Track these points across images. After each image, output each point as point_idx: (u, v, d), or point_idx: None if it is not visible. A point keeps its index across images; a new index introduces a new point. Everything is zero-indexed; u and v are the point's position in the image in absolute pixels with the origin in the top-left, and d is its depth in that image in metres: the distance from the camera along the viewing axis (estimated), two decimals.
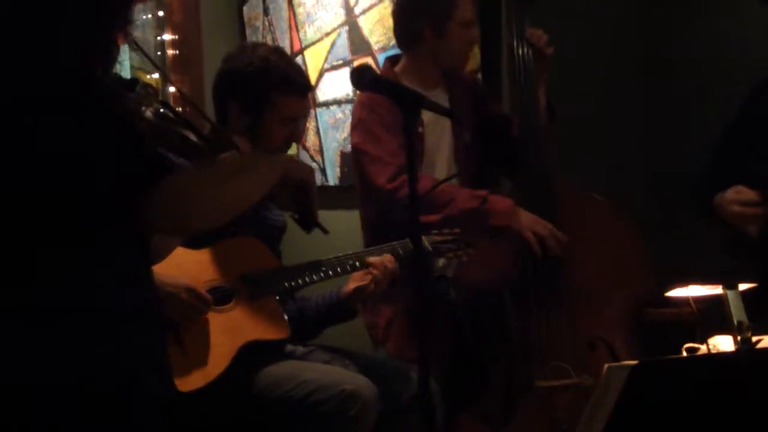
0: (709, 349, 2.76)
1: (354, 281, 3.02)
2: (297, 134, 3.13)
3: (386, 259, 2.99)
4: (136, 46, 2.07)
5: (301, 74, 3.11)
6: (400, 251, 3.02)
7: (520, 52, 3.29)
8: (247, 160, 2.08)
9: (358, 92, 3.71)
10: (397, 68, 3.42)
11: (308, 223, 2.18)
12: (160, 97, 2.05)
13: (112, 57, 1.93)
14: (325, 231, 2.27)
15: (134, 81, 2.01)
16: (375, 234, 3.31)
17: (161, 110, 2.06)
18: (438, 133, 3.37)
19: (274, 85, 3.00)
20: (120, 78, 2.03)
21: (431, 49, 3.34)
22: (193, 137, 2.14)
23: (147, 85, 2.04)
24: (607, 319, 3.15)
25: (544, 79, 3.34)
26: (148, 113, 2.03)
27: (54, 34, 1.82)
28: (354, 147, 3.36)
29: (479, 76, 3.76)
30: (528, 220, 3.16)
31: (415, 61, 3.38)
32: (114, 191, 1.78)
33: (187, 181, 1.88)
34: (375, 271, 2.97)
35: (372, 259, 2.98)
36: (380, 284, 2.98)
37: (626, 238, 3.23)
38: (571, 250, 3.18)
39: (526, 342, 3.14)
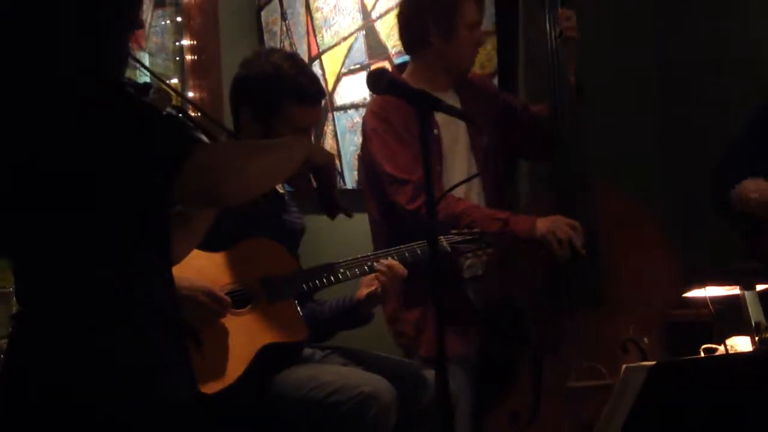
0: (726, 350, 2.76)
1: (365, 287, 3.02)
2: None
3: (393, 263, 2.99)
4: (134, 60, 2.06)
5: (313, 82, 3.09)
6: (419, 252, 3.02)
7: (552, 39, 3.28)
8: (274, 140, 2.10)
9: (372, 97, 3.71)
10: (405, 74, 3.40)
11: (331, 207, 2.19)
12: (173, 102, 2.07)
13: (123, 60, 1.93)
14: (348, 215, 2.27)
15: (147, 85, 2.02)
16: (383, 234, 3.31)
17: (177, 114, 2.07)
18: (453, 133, 3.36)
19: (283, 92, 3.00)
20: (133, 83, 2.03)
21: (439, 53, 3.33)
22: (206, 138, 2.16)
23: (160, 90, 2.05)
24: (639, 321, 3.15)
25: (573, 62, 3.31)
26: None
27: (60, 37, 1.83)
28: (372, 158, 3.34)
29: (496, 79, 3.76)
30: (546, 226, 3.13)
31: (423, 66, 3.37)
32: (147, 171, 1.79)
33: (216, 152, 1.91)
34: (382, 277, 2.97)
35: (378, 264, 2.98)
36: (388, 289, 2.99)
37: (659, 241, 3.23)
38: (606, 252, 3.17)
39: (557, 343, 3.14)
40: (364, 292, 3.02)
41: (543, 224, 3.13)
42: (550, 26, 3.28)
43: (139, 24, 1.96)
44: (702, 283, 2.99)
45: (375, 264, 2.98)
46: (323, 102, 3.28)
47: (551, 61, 3.26)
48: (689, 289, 3.08)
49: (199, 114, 3.27)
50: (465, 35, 3.32)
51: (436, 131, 3.29)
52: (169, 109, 2.05)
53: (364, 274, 3.00)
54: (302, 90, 3.01)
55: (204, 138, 2.14)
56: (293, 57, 3.18)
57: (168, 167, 1.78)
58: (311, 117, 3.09)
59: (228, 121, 3.25)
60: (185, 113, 2.16)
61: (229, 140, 2.02)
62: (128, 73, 2.02)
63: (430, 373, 2.95)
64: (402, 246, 3.04)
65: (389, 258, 3.00)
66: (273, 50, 3.54)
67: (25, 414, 1.82)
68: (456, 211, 3.16)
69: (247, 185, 1.91)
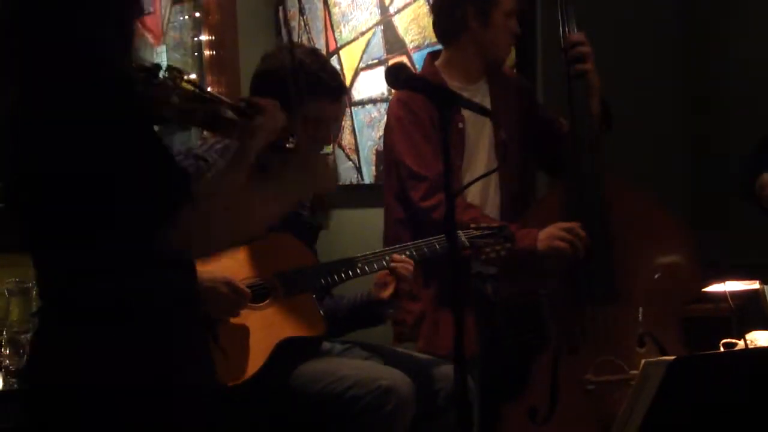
0: (746, 345, 2.75)
1: (381, 287, 3.01)
2: (328, 136, 3.14)
3: (405, 262, 2.98)
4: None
5: (335, 78, 3.08)
6: (437, 246, 3.02)
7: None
8: (273, 183, 2.11)
9: (393, 91, 3.70)
10: (438, 63, 3.41)
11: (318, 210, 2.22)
12: (185, 77, 2.04)
13: (130, 46, 1.92)
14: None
15: (157, 66, 2.01)
16: (399, 223, 3.31)
17: (190, 89, 2.05)
18: (479, 129, 3.35)
19: (303, 87, 2.99)
20: (141, 65, 2.00)
21: (476, 40, 3.31)
22: (225, 112, 2.14)
23: (171, 68, 2.03)
24: (658, 315, 3.14)
25: (597, 88, 3.29)
26: (174, 98, 2.02)
27: (70, 24, 1.83)
28: (392, 148, 3.34)
29: (514, 71, 3.76)
30: (544, 243, 3.14)
31: (458, 54, 3.36)
32: (139, 213, 1.81)
33: (208, 210, 1.88)
34: (399, 272, 2.97)
35: (393, 265, 2.98)
36: (403, 289, 2.98)
37: (678, 236, 3.22)
38: (624, 248, 3.17)
39: (576, 337, 3.13)
40: (384, 293, 3.02)
41: (541, 241, 3.15)
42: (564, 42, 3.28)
43: (145, 9, 1.96)
44: (722, 277, 2.98)
45: (390, 264, 2.97)
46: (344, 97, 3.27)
47: (568, 88, 3.26)
48: (709, 283, 3.07)
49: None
50: (502, 22, 3.32)
51: (461, 125, 3.29)
52: (185, 85, 2.04)
53: (382, 268, 2.99)
54: (323, 85, 3.01)
55: (229, 113, 2.15)
56: (315, 52, 3.18)
57: (157, 216, 1.81)
58: (332, 112, 3.08)
59: None
60: (202, 89, 2.15)
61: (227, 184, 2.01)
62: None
63: (448, 368, 2.95)
64: (420, 240, 3.04)
65: (403, 254, 3.00)
66: (294, 45, 3.54)
67: (49, 408, 1.83)
68: (463, 219, 3.14)
69: (240, 238, 2.06)
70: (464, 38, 3.34)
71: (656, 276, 3.17)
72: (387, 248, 3.06)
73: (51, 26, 1.82)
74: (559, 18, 3.31)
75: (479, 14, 3.29)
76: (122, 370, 1.81)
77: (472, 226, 3.06)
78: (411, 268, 2.98)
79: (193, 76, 4.68)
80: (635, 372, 2.95)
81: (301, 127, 2.93)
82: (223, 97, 2.15)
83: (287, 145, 2.26)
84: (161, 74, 1.98)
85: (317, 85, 2.98)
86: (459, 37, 3.35)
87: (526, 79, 3.69)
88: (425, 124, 3.25)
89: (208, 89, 4.47)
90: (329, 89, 3.03)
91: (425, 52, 3.63)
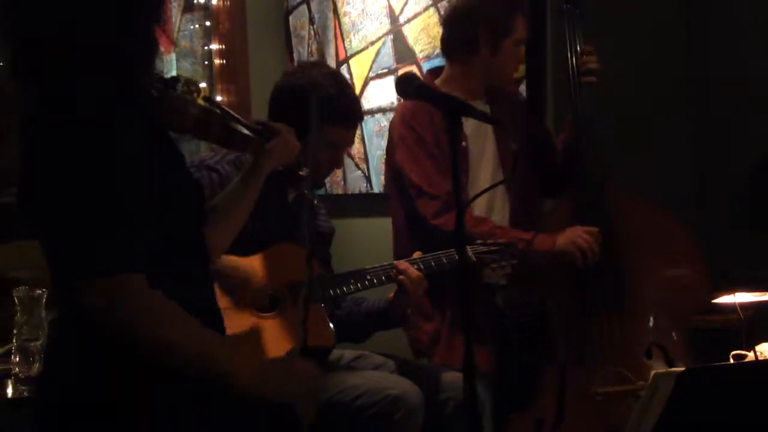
0: (756, 356, 2.75)
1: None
2: (341, 161, 3.14)
3: (408, 266, 2.98)
4: None
5: (351, 104, 3.07)
6: (445, 260, 3.02)
7: (575, 64, 3.29)
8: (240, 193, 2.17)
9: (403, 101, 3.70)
10: (439, 80, 3.39)
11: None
12: (203, 93, 2.06)
13: (152, 55, 1.91)
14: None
15: (176, 79, 2.02)
16: (407, 240, 3.31)
17: (206, 105, 2.08)
18: (481, 145, 3.36)
19: (319, 111, 2.99)
20: (161, 77, 2.02)
21: (483, 63, 3.31)
22: (240, 128, 2.17)
23: (189, 82, 2.04)
24: (665, 325, 3.14)
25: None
26: (192, 109, 2.04)
27: (94, 33, 1.82)
28: (398, 166, 3.33)
29: (524, 84, 3.76)
30: (565, 239, 3.15)
31: (462, 72, 3.35)
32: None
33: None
34: (402, 279, 2.97)
35: (398, 271, 2.97)
36: (409, 289, 2.98)
37: (684, 246, 3.22)
38: (629, 257, 3.17)
39: (583, 348, 3.13)
40: (392, 293, 3.03)
41: (562, 238, 3.16)
42: (571, 53, 3.29)
43: (164, 19, 1.96)
44: (731, 289, 2.97)
45: (395, 271, 2.97)
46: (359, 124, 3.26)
47: (572, 86, 3.27)
48: (719, 295, 3.06)
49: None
50: (511, 50, 3.32)
51: (464, 143, 3.28)
52: (199, 101, 2.05)
53: (391, 281, 3.00)
54: (340, 111, 3.00)
55: (243, 130, 2.17)
56: (334, 75, 3.16)
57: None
58: (345, 138, 3.08)
59: None
60: (215, 104, 2.17)
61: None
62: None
63: (457, 377, 2.95)
64: (428, 255, 3.04)
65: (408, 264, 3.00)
66: (315, 65, 3.48)
67: (61, 415, 1.83)
68: (482, 230, 3.15)
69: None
70: (472, 60, 3.33)
71: (664, 287, 3.17)
72: (397, 261, 3.06)
73: (77, 31, 1.81)
74: (566, 28, 3.32)
75: (491, 39, 3.29)
76: (137, 384, 1.80)
77: (478, 242, 3.06)
78: (415, 277, 2.97)
79: (203, 85, 4.69)
80: (642, 383, 2.97)
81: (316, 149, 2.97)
82: (240, 117, 2.18)
83: (300, 173, 2.30)
84: (178, 87, 1.99)
85: (334, 112, 2.97)
86: (466, 57, 3.34)
87: (525, 93, 3.70)
88: (428, 143, 3.25)
89: (218, 98, 4.52)
90: (346, 116, 3.02)
91: (435, 61, 3.63)
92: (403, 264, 2.99)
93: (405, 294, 2.98)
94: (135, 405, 1.80)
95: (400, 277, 2.97)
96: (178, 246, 1.87)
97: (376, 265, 3.00)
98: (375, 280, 2.98)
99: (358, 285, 2.96)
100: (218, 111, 2.12)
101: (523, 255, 3.09)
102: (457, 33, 3.36)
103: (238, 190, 2.27)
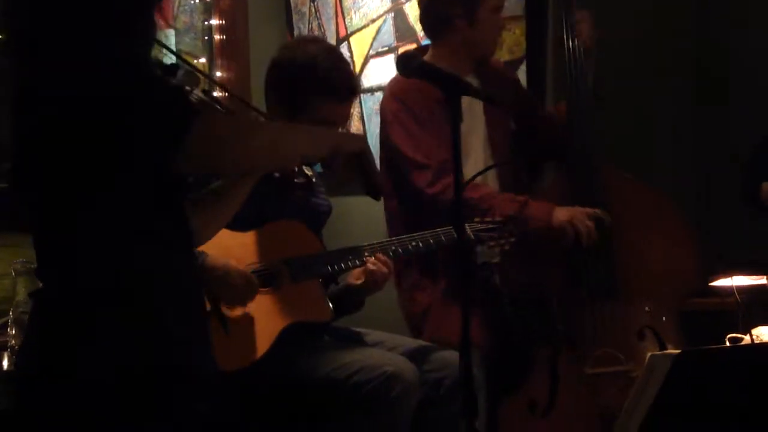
0: (752, 340, 2.75)
1: (355, 278, 3.01)
2: None
3: (386, 260, 2.97)
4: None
5: (346, 79, 3.05)
6: (443, 238, 3.02)
7: (570, 44, 3.28)
8: (292, 126, 2.13)
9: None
10: (426, 58, 3.37)
11: (374, 190, 2.20)
12: (202, 85, 2.06)
13: (152, 36, 1.90)
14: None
15: (175, 66, 2.01)
16: (400, 220, 3.31)
17: (204, 98, 2.07)
18: (469, 123, 3.34)
19: (312, 86, 2.99)
20: (161, 63, 2.01)
21: (462, 38, 3.30)
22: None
23: (189, 72, 2.04)
24: (657, 308, 3.14)
25: (592, 65, 3.30)
26: (192, 98, 2.04)
27: (92, 15, 1.82)
28: (392, 143, 3.32)
29: (524, 64, 3.75)
30: (565, 215, 3.12)
31: (445, 51, 3.33)
32: (153, 132, 1.78)
33: (222, 123, 1.94)
34: (374, 270, 2.96)
35: (371, 261, 2.96)
36: (379, 283, 2.97)
37: (677, 229, 3.22)
38: (622, 240, 3.16)
39: (576, 330, 3.14)
40: (355, 282, 3.00)
41: (562, 213, 3.13)
42: (567, 28, 3.28)
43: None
44: (728, 272, 2.98)
45: (367, 260, 2.95)
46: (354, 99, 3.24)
47: (568, 61, 3.26)
48: (715, 278, 3.07)
49: (226, 94, 3.28)
50: (488, 19, 3.30)
51: None
52: (197, 92, 2.05)
53: (388, 258, 3.00)
54: (332, 86, 2.99)
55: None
56: (330, 50, 3.15)
57: (171, 139, 1.77)
58: (339, 113, 3.07)
59: (257, 101, 3.25)
60: (214, 99, 2.16)
61: (242, 114, 2.03)
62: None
63: (453, 355, 2.96)
64: (426, 232, 3.04)
65: (408, 245, 2.99)
66: (312, 40, 3.46)
67: (40, 390, 1.83)
68: (474, 196, 3.14)
69: (250, 161, 1.95)
70: (451, 36, 3.32)
71: (656, 270, 3.18)
72: (394, 238, 3.06)
73: (75, 13, 1.81)
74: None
75: (465, 12, 3.28)
76: (119, 353, 1.80)
77: (477, 219, 3.06)
78: (387, 273, 2.97)
79: (202, 60, 4.67)
80: (633, 364, 2.98)
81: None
82: (240, 117, 2.17)
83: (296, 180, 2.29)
84: (179, 74, 1.99)
85: (326, 86, 2.97)
86: (445, 35, 3.33)
87: (512, 66, 3.68)
88: (421, 117, 3.24)
89: (218, 74, 4.51)
90: (337, 90, 3.01)
91: None
92: (381, 257, 2.97)
93: (374, 283, 2.97)
94: (114, 375, 1.80)
95: (371, 267, 2.95)
96: (159, 213, 1.87)
97: (374, 242, 3.00)
98: (373, 258, 2.98)
99: (356, 262, 2.96)
100: (216, 105, 2.11)
101: (521, 233, 3.08)
102: (431, 12, 3.36)
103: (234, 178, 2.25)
